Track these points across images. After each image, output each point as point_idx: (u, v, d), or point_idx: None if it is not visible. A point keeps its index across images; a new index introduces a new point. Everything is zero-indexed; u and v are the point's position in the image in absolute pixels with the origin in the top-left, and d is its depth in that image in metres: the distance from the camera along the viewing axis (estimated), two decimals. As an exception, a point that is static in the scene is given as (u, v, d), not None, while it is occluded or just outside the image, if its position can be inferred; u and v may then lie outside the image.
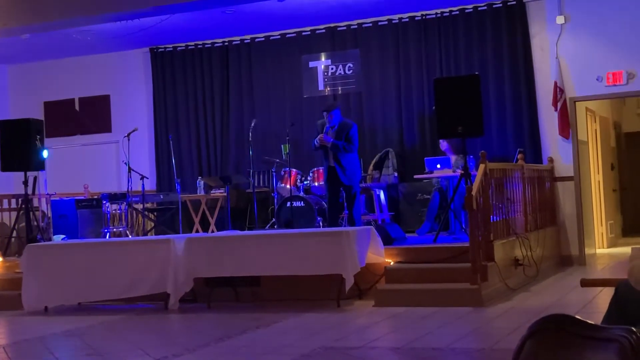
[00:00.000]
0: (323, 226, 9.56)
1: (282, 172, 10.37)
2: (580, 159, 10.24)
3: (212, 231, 10.32)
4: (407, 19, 11.00)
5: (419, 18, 10.94)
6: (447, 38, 10.79)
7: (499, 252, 7.63)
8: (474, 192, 7.29)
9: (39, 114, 12.45)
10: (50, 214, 10.97)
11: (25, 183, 9.81)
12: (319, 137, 9.07)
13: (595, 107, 11.55)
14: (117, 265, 8.01)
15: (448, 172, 9.47)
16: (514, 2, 10.35)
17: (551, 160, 10.21)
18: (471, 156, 9.17)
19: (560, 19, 10.11)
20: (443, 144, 10.05)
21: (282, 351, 5.48)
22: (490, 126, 10.15)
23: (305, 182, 10.29)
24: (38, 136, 9.93)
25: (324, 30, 11.47)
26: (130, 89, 12.58)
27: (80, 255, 8.25)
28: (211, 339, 6.06)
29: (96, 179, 12.22)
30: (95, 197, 11.16)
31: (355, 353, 5.29)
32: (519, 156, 9.65)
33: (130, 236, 10.47)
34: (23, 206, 9.93)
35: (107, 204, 10.77)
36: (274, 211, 10.26)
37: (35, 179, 10.02)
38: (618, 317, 2.67)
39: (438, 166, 9.60)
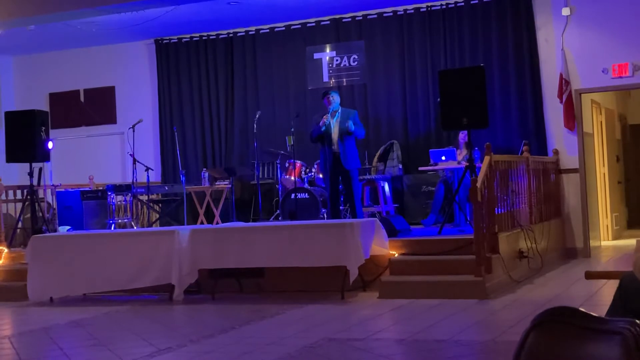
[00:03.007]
0: (327, 218, 9.56)
1: (287, 164, 10.37)
2: (585, 151, 10.21)
3: (217, 223, 10.34)
4: (412, 11, 10.98)
5: (424, 10, 10.91)
6: (452, 29, 10.77)
7: (504, 244, 7.63)
8: (478, 184, 7.29)
9: (44, 105, 12.48)
10: (55, 205, 10.99)
11: (31, 174, 9.83)
12: (323, 117, 9.01)
13: (600, 99, 11.52)
14: (122, 256, 8.03)
15: (453, 164, 9.46)
16: (520, -6, 10.32)
17: (556, 152, 10.18)
18: (476, 148, 9.15)
19: (565, 11, 10.07)
20: (465, 138, 9.81)
21: (285, 342, 5.49)
22: (495, 118, 10.13)
23: (310, 174, 10.28)
24: (43, 127, 9.94)
25: (328, 22, 11.45)
26: (135, 80, 12.58)
27: (85, 246, 8.28)
28: (215, 330, 6.08)
29: (101, 170, 12.24)
30: (101, 188, 11.17)
31: (358, 345, 5.30)
32: (524, 148, 9.62)
33: (135, 227, 10.49)
34: (28, 197, 9.96)
35: (112, 195, 10.79)
36: (279, 203, 10.27)
37: (40, 170, 10.03)
38: (622, 310, 2.66)
39: (443, 158, 9.59)
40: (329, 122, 9.05)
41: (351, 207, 9.15)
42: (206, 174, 10.99)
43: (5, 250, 9.56)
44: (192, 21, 11.41)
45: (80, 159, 12.63)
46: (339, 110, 9.16)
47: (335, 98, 9.13)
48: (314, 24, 11.54)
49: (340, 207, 9.50)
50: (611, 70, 9.87)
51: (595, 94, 10.80)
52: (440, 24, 10.83)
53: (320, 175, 10.11)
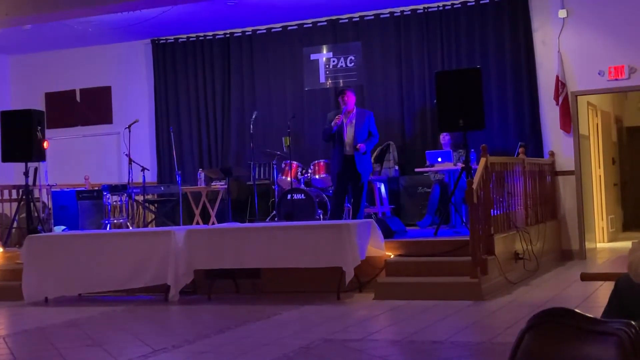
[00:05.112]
0: (323, 219, 9.55)
1: (283, 165, 10.36)
2: (581, 153, 10.23)
3: (213, 223, 10.33)
4: (409, 12, 10.98)
5: (421, 11, 10.91)
6: (449, 31, 10.77)
7: (499, 246, 7.63)
8: (474, 186, 7.29)
9: (40, 105, 12.45)
10: (50, 205, 10.97)
11: (26, 174, 9.81)
12: (336, 118, 8.97)
13: (596, 101, 11.53)
14: (118, 256, 8.02)
15: (449, 166, 9.46)
16: (516, -4, 10.34)
17: (552, 154, 10.20)
18: (472, 150, 9.16)
19: (562, 13, 10.09)
20: (445, 137, 10.01)
21: (281, 343, 5.49)
22: (491, 120, 10.13)
23: (306, 175, 10.28)
24: (39, 127, 9.93)
25: (325, 23, 11.45)
26: (131, 80, 12.56)
27: (80, 246, 8.26)
28: (211, 331, 6.08)
29: (97, 170, 12.23)
30: (96, 188, 11.16)
31: (354, 345, 5.30)
32: (520, 150, 9.64)
33: (130, 228, 10.48)
34: (24, 197, 9.94)
35: (108, 196, 10.77)
36: (275, 204, 10.26)
37: (36, 169, 10.02)
38: (618, 311, 2.67)
39: (439, 159, 9.59)
40: (342, 123, 9.00)
41: (354, 210, 9.10)
42: (202, 175, 10.98)
43: (1, 250, 9.54)
44: (189, 21, 11.40)
45: (76, 158, 12.61)
46: (354, 111, 9.11)
47: (350, 97, 9.07)
48: (310, 25, 11.54)
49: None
50: (607, 72, 9.88)
51: (591, 96, 10.81)
52: (437, 26, 10.83)
53: (317, 176, 10.10)
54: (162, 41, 12.31)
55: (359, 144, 8.92)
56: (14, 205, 10.37)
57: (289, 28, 11.65)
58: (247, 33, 11.88)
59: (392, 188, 10.70)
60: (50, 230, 10.19)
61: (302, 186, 10.08)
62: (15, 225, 10.14)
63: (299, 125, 11.21)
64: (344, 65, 11.38)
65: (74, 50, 12.73)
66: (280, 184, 10.40)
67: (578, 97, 10.19)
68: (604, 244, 11.53)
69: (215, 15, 11.07)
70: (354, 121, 9.05)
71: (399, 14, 11.04)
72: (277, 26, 11.67)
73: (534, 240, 8.54)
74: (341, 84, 11.27)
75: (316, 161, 10.29)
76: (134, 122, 10.57)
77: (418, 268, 7.62)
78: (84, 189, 11.22)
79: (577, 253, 9.98)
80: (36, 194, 10.66)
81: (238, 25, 11.78)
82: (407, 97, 11.00)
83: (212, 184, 10.83)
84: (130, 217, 10.93)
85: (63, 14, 10.28)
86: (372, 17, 11.20)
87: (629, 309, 2.62)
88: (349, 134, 9.03)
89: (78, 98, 12.90)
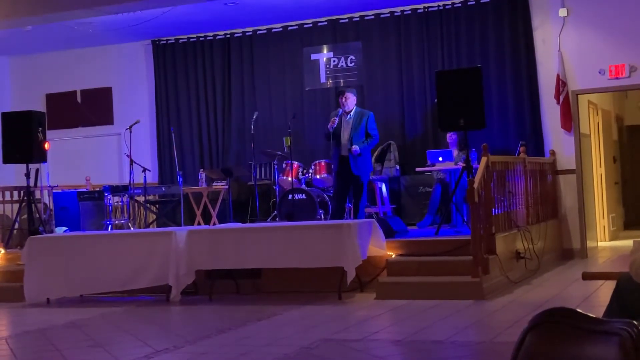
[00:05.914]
0: (325, 219, 9.55)
1: (284, 165, 10.36)
2: (582, 152, 10.22)
3: (214, 224, 10.33)
4: (409, 12, 10.98)
5: (421, 10, 10.91)
6: (449, 30, 10.77)
7: (501, 245, 7.63)
8: (475, 185, 7.29)
9: (41, 106, 12.45)
10: (52, 206, 10.97)
11: (27, 175, 9.82)
12: (331, 120, 8.96)
13: (597, 100, 11.53)
14: (119, 257, 8.02)
15: (450, 165, 9.46)
16: (517, -5, 10.33)
17: (553, 153, 10.19)
18: (473, 149, 9.16)
19: (562, 12, 10.08)
20: (452, 137, 9.94)
21: (282, 343, 5.49)
22: (492, 119, 10.13)
23: (307, 175, 10.27)
24: (40, 128, 9.93)
25: (325, 23, 11.45)
26: (132, 81, 12.57)
27: (82, 247, 8.27)
28: (212, 331, 6.08)
29: (98, 171, 12.23)
30: (97, 189, 11.16)
31: (355, 345, 5.30)
32: (521, 149, 9.63)
33: (132, 228, 10.48)
34: (25, 198, 9.94)
35: (109, 196, 10.78)
36: (276, 204, 10.26)
37: (37, 171, 10.02)
38: (619, 311, 2.67)
39: (440, 159, 9.58)
40: (338, 124, 8.97)
41: (355, 210, 9.09)
42: (203, 175, 10.98)
43: (2, 251, 9.55)
44: (189, 22, 11.40)
45: (77, 160, 12.61)
46: (353, 112, 9.09)
47: (350, 99, 9.05)
48: (311, 25, 11.54)
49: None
50: (608, 71, 9.88)
51: (592, 95, 10.81)
52: (437, 25, 10.83)
53: (318, 176, 10.10)
54: (162, 42, 12.31)
55: (353, 146, 8.89)
56: (15, 206, 10.38)
57: (289, 28, 11.65)
58: (247, 33, 11.88)
59: (393, 188, 10.70)
60: (52, 232, 10.19)
61: (303, 186, 10.07)
62: (16, 226, 10.15)
63: (300, 125, 11.20)
64: (344, 65, 11.38)
65: (75, 51, 12.73)
66: (281, 184, 10.39)
67: (579, 95, 10.18)
68: (605, 242, 11.53)
69: (215, 15, 11.07)
70: (351, 122, 9.03)
71: (399, 13, 11.04)
72: (278, 26, 11.67)
73: (535, 239, 8.54)
74: (341, 84, 11.26)
75: (317, 161, 10.27)
76: (135, 123, 10.57)
77: (419, 268, 7.62)
78: (85, 189, 11.22)
79: (578, 252, 9.97)
80: (37, 195, 10.67)
81: (238, 26, 11.78)
82: (407, 97, 11.00)
83: (213, 184, 10.82)
84: (131, 218, 10.94)
85: (63, 15, 10.29)
86: (372, 17, 11.19)
87: (630, 309, 2.62)
88: (345, 135, 9.02)
89: (79, 99, 12.90)
